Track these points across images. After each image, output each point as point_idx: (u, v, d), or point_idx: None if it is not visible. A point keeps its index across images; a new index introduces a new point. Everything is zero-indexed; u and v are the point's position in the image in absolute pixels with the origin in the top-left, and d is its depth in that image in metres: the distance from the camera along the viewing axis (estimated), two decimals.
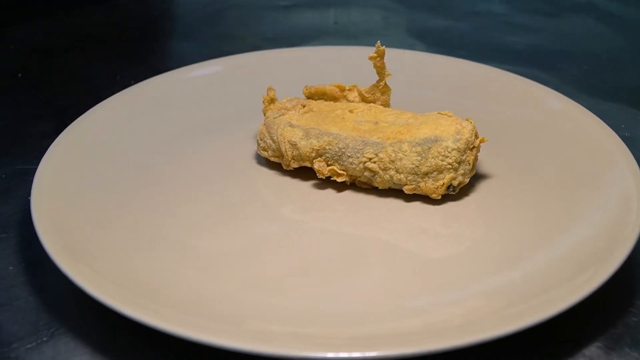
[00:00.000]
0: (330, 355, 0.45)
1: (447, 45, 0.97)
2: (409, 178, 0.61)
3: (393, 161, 0.61)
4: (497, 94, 0.75)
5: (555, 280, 0.52)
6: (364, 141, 0.62)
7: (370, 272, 0.56)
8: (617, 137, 0.65)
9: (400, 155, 0.61)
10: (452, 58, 0.81)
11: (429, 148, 0.60)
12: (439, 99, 0.75)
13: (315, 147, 0.63)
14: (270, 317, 0.51)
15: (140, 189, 0.63)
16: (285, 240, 0.59)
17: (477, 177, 0.64)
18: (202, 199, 0.63)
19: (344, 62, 0.79)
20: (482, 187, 0.64)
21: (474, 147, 0.61)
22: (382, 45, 0.65)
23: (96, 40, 1.00)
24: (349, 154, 0.62)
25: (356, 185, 0.64)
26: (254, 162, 0.68)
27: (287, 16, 1.08)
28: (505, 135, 0.69)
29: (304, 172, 0.65)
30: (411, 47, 0.92)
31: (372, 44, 0.94)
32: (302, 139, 0.63)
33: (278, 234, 0.59)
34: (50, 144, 0.66)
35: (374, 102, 0.67)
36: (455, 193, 0.62)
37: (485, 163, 0.65)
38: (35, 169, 0.65)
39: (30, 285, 0.56)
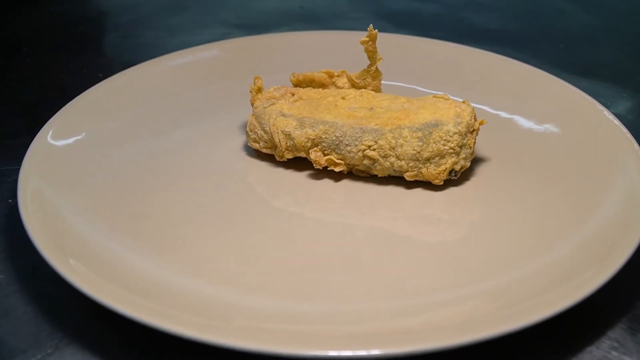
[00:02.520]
0: (332, 353, 0.44)
1: (418, 27, 0.96)
2: (410, 164, 0.59)
3: (393, 148, 0.59)
4: (484, 75, 0.74)
5: (567, 271, 0.50)
6: (361, 128, 0.60)
7: (371, 266, 0.53)
8: (616, 119, 0.65)
9: (401, 141, 0.59)
10: (436, 41, 0.80)
11: (430, 133, 0.59)
12: (426, 82, 0.74)
13: (311, 137, 0.61)
14: (267, 314, 0.49)
15: (127, 185, 0.61)
16: (282, 234, 0.56)
17: (475, 161, 0.63)
18: (193, 195, 0.60)
19: (326, 48, 0.77)
20: (482, 171, 0.62)
21: (474, 129, 0.60)
22: (375, 29, 0.63)
23: (55, 34, 0.96)
24: (346, 142, 0.60)
25: (354, 174, 0.62)
26: (243, 154, 0.65)
27: (251, 2, 1.06)
28: (497, 116, 0.69)
29: (298, 163, 0.63)
30: (381, 30, 0.90)
31: (341, 27, 0.93)
32: (296, 128, 0.61)
33: (275, 228, 0.57)
34: (24, 143, 0.63)
35: (365, 88, 0.66)
36: (457, 178, 0.60)
37: (482, 146, 0.64)
38: (13, 169, 0.63)
39: (25, 293, 0.53)
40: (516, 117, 0.69)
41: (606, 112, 0.65)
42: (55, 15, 1.01)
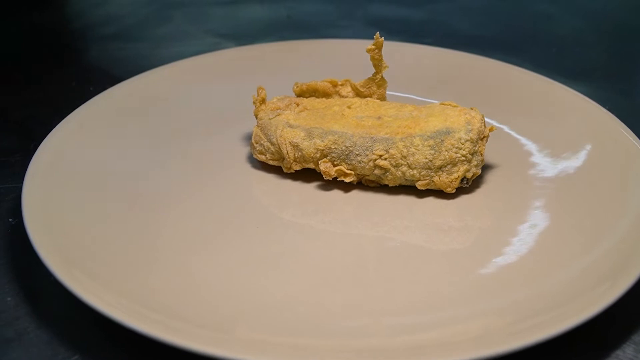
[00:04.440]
0: None
1: (409, 33, 0.95)
2: (422, 173, 0.59)
3: (405, 157, 0.58)
4: (484, 82, 0.74)
5: (582, 284, 0.50)
6: (372, 138, 0.59)
7: (382, 279, 0.52)
8: (628, 130, 0.64)
9: (413, 150, 0.58)
10: (435, 48, 0.80)
11: (442, 141, 0.58)
12: (424, 91, 0.73)
13: (320, 147, 0.60)
14: (276, 327, 0.47)
15: (132, 199, 0.59)
16: (292, 247, 0.55)
17: (484, 168, 0.62)
18: (201, 209, 0.59)
19: (326, 57, 0.76)
20: (492, 178, 0.62)
21: (484, 136, 0.60)
22: (381, 37, 0.62)
23: (39, 47, 0.94)
24: (357, 152, 0.59)
25: (364, 184, 0.61)
26: (249, 167, 0.64)
27: (236, 11, 1.05)
28: (498, 121, 0.68)
29: (306, 174, 0.62)
30: (372, 37, 0.90)
31: (330, 35, 0.92)
32: (304, 139, 0.60)
33: (285, 241, 0.56)
34: (19, 160, 0.62)
35: (370, 96, 0.65)
36: (468, 185, 0.60)
37: (489, 152, 0.63)
38: (10, 187, 0.61)
39: (36, 315, 0.51)
40: (519, 123, 0.68)
41: (615, 120, 0.65)
42: (37, 28, 0.99)
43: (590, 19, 1.01)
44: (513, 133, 0.67)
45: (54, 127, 0.64)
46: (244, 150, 0.65)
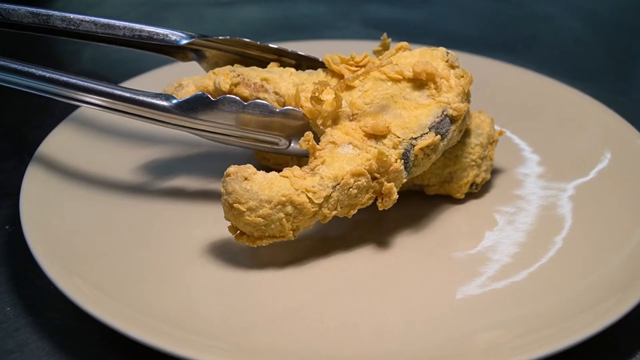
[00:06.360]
0: None
1: (407, 34, 0.93)
2: (431, 179, 0.57)
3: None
4: (488, 84, 0.73)
5: (595, 292, 0.49)
6: None
7: (390, 286, 0.51)
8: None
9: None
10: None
11: (452, 146, 0.57)
12: None
13: None
14: (280, 335, 0.47)
15: (134, 206, 0.58)
16: (297, 254, 0.54)
17: (492, 173, 0.61)
18: (202, 216, 0.57)
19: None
20: (499, 183, 0.61)
21: (493, 140, 0.59)
22: (388, 38, 0.61)
23: (29, 51, 0.91)
24: None
25: None
26: None
27: (231, 12, 1.03)
28: (505, 124, 0.67)
29: None
30: (372, 38, 0.89)
31: (327, 37, 0.91)
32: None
33: (289, 248, 0.54)
34: (13, 166, 0.60)
35: None
36: (477, 191, 0.59)
37: (497, 157, 0.62)
38: (4, 194, 0.59)
39: (36, 326, 0.50)
40: (527, 127, 0.67)
41: (627, 124, 0.65)
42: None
43: (591, 19, 1.00)
44: (520, 137, 0.66)
45: (48, 132, 0.63)
46: (247, 153, 0.64)
